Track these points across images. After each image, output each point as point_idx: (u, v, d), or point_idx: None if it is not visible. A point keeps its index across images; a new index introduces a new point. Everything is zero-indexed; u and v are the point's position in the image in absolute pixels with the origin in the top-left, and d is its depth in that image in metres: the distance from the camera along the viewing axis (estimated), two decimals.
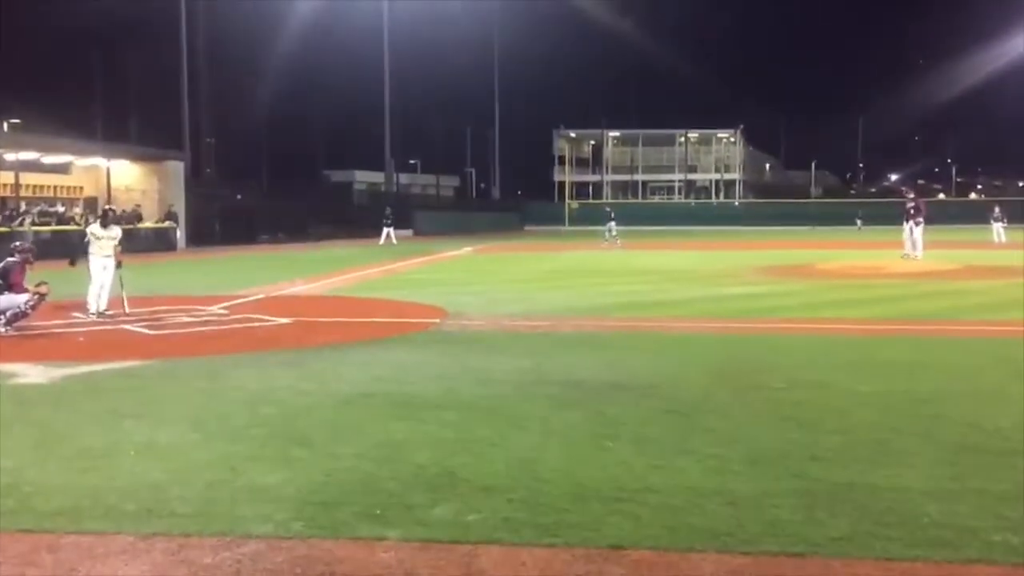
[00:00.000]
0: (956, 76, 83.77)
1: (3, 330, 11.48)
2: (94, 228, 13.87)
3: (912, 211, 26.53)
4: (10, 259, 12.06)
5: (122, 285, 13.59)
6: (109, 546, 4.35)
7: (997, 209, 40.53)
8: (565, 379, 8.34)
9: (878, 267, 23.62)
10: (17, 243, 13.14)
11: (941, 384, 8.15)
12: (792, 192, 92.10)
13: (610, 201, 77.80)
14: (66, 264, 13.90)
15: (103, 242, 13.57)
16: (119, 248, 13.75)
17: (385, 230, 40.04)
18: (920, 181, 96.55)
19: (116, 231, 13.95)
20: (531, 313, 13.72)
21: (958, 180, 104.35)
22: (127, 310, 13.38)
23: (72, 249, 15.29)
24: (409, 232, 49.46)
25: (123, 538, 4.43)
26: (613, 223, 40.36)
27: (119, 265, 13.60)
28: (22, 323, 11.75)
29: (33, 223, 31.01)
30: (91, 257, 13.46)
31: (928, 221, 27.52)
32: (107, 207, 18.13)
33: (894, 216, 31.96)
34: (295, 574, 4.04)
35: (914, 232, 26.27)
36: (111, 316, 13.09)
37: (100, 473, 5.50)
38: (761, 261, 26.21)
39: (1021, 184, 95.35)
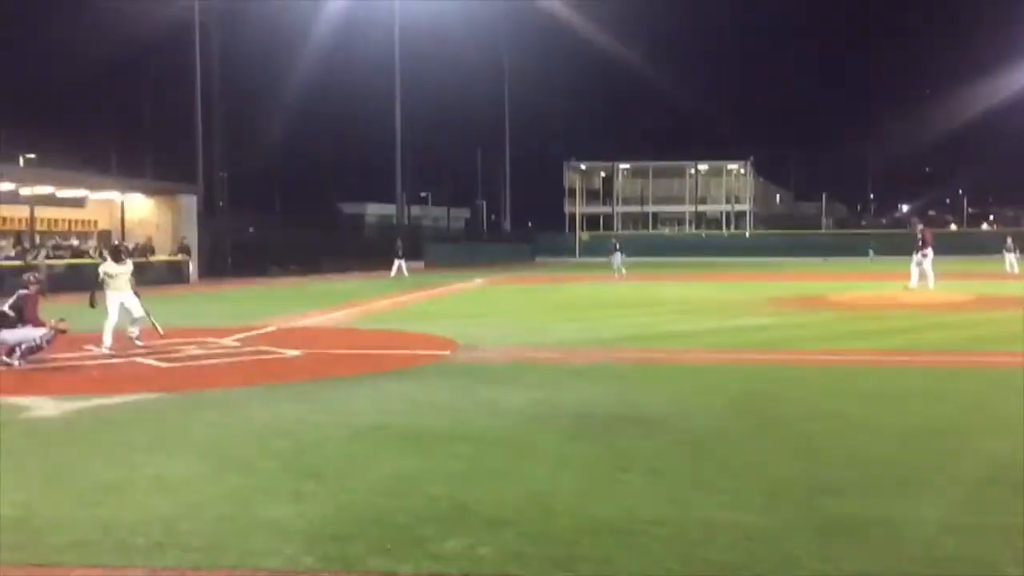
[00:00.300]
0: (967, 106, 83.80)
1: (17, 363, 11.52)
2: (108, 267, 13.89)
3: (920, 243, 26.48)
4: (23, 291, 12.10)
5: (148, 313, 13.70)
6: None
7: (1009, 239, 40.43)
8: (577, 411, 8.31)
9: (890, 298, 23.52)
10: (28, 275, 13.19)
11: (956, 416, 8.09)
12: (803, 223, 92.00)
13: (619, 232, 77.78)
14: (86, 304, 13.82)
15: (119, 279, 13.67)
16: (132, 280, 13.86)
17: (396, 262, 40.10)
18: (931, 212, 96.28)
19: (129, 264, 14.11)
20: (542, 345, 13.70)
21: (970, 211, 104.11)
22: (162, 333, 13.67)
23: (88, 283, 15.31)
24: (420, 264, 49.52)
25: (134, 572, 4.42)
26: (619, 254, 39.79)
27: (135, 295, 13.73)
28: (36, 356, 11.79)
29: (48, 256, 31.21)
30: (108, 293, 13.55)
31: (938, 252, 27.41)
32: (116, 243, 18.22)
33: (906, 247, 31.87)
34: None
35: (923, 263, 26.17)
36: (129, 348, 13.17)
37: (111, 507, 5.49)
38: (773, 292, 26.12)
39: None
